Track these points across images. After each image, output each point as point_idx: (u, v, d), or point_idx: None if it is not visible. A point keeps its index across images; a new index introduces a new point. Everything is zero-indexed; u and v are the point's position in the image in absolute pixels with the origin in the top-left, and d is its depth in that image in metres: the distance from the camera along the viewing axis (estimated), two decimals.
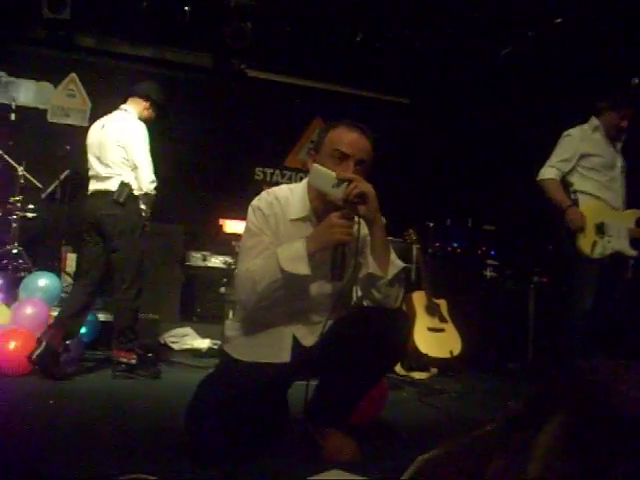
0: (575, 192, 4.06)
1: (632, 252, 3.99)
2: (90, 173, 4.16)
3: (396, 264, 2.34)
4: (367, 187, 2.21)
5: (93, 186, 4.11)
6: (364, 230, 2.30)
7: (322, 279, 2.34)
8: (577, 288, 3.97)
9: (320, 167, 2.24)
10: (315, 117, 7.35)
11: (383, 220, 2.30)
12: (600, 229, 3.92)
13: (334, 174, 2.20)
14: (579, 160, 4.06)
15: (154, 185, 4.09)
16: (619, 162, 4.12)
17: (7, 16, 6.45)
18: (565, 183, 4.11)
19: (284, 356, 2.33)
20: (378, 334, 2.23)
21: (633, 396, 0.46)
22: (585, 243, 3.92)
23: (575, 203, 4.02)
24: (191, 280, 5.98)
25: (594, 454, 0.45)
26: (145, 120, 4.22)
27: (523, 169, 6.47)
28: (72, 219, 6.03)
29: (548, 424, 0.50)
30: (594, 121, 4.16)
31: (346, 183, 2.19)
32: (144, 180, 4.03)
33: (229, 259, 5.42)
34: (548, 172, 4.11)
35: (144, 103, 4.27)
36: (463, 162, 7.20)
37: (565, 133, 4.18)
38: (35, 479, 1.96)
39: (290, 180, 7.05)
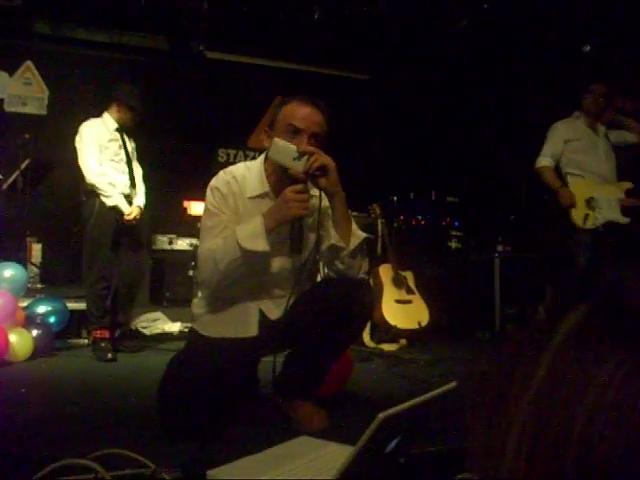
0: (566, 174, 4.53)
1: (624, 220, 4.39)
2: None
3: (358, 234, 2.38)
4: (327, 159, 2.24)
5: None
6: (325, 202, 2.34)
7: (283, 253, 2.38)
8: (574, 255, 4.38)
9: (280, 141, 2.27)
10: (276, 96, 7.33)
11: (343, 192, 2.34)
12: (590, 203, 4.36)
13: (294, 147, 2.23)
14: (565, 146, 4.53)
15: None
16: (601, 143, 4.55)
17: None
18: (558, 168, 4.58)
19: (252, 330, 2.36)
20: (342, 304, 2.28)
21: None
22: (578, 216, 4.36)
23: (566, 184, 4.47)
24: (159, 264, 5.97)
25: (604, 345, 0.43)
26: (122, 123, 4.43)
27: (483, 141, 6.59)
28: (36, 209, 5.98)
29: (567, 318, 0.46)
30: (576, 112, 4.62)
31: (307, 156, 2.22)
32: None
33: (195, 241, 5.41)
34: (542, 161, 4.58)
35: (115, 107, 4.45)
36: (424, 136, 7.25)
37: (552, 126, 4.64)
38: (11, 461, 1.98)
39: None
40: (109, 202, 4.21)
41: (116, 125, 4.41)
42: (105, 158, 4.32)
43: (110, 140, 4.38)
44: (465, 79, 6.86)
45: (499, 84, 6.45)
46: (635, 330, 0.43)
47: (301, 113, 2.33)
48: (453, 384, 1.68)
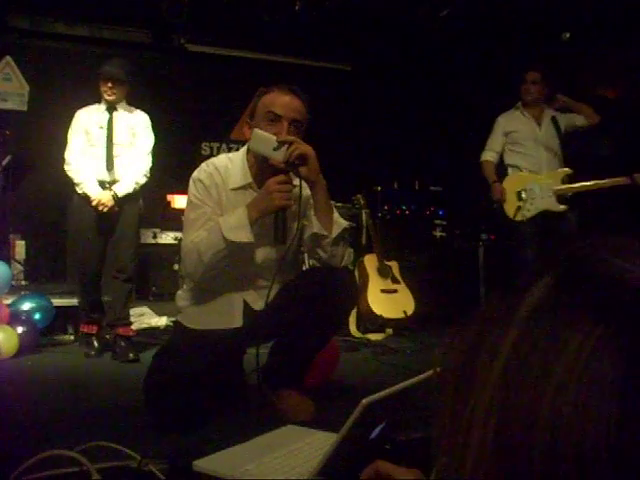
0: (507, 166, 4.66)
1: (559, 207, 4.42)
2: None
3: (339, 223, 2.40)
4: (307, 148, 2.25)
5: None
6: (306, 191, 2.35)
7: (267, 244, 2.39)
8: (518, 247, 4.47)
9: (260, 131, 2.27)
10: (258, 88, 7.31)
11: (324, 181, 2.35)
12: (520, 195, 4.47)
13: (274, 137, 2.24)
14: (506, 138, 4.65)
15: (67, 172, 4.15)
16: (542, 132, 4.58)
17: None
18: (503, 161, 4.70)
19: (236, 321, 2.37)
20: (325, 292, 2.29)
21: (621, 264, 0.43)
22: (510, 209, 4.50)
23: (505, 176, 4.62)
24: (143, 258, 5.94)
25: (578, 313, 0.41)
26: (108, 100, 4.18)
27: (465, 129, 6.60)
28: (19, 206, 5.94)
29: (530, 292, 0.44)
30: (517, 104, 4.69)
31: (286, 145, 2.23)
32: None
33: (180, 235, 5.39)
34: (484, 155, 4.73)
35: (99, 84, 4.21)
36: (406, 125, 7.26)
37: (496, 119, 4.76)
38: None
39: None
40: (79, 190, 4.02)
41: (105, 105, 4.19)
42: (88, 144, 4.14)
43: (98, 124, 4.16)
44: (446, 67, 6.87)
45: (480, 72, 6.47)
46: (602, 298, 0.41)
47: (280, 101, 2.34)
48: (438, 370, 1.69)
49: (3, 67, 6.76)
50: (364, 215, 5.29)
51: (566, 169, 4.51)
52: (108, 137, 4.13)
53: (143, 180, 4.27)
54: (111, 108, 4.21)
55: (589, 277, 0.43)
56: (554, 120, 4.58)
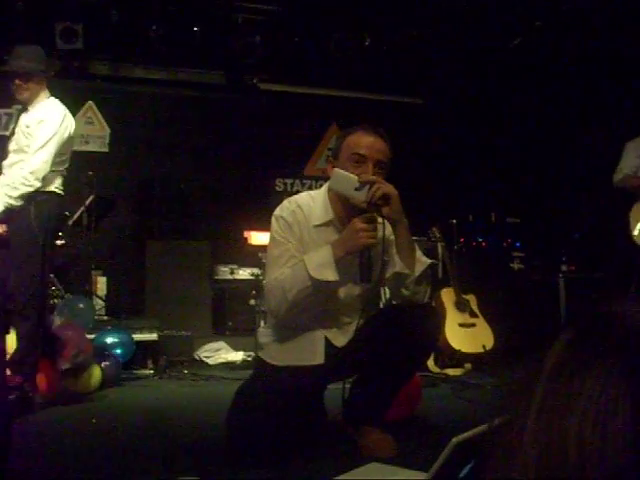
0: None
1: None
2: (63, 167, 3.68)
3: (422, 261, 2.38)
4: (390, 188, 2.24)
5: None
6: (387, 229, 2.34)
7: (350, 282, 2.38)
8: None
9: (341, 171, 2.28)
10: (330, 124, 7.40)
11: (406, 220, 2.33)
12: None
13: (355, 177, 2.24)
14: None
15: None
16: None
17: None
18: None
19: (318, 358, 2.36)
20: (409, 329, 2.27)
21: None
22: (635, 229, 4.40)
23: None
24: (220, 294, 6.04)
25: None
26: (22, 100, 3.54)
27: (540, 160, 6.49)
28: (99, 244, 6.14)
29: (588, 372, 0.51)
30: None
31: (368, 186, 2.22)
32: None
33: (257, 270, 5.45)
34: (617, 175, 4.61)
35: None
36: (481, 157, 7.18)
37: (625, 145, 4.67)
38: None
39: (310, 189, 7.07)
40: None
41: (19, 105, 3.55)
42: None
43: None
44: (521, 98, 6.79)
45: (556, 102, 6.36)
46: (614, 347, 0.51)
47: (365, 142, 2.34)
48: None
49: (85, 111, 7.07)
50: (440, 248, 5.23)
51: None
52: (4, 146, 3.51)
53: (23, 189, 3.31)
54: (23, 109, 3.54)
55: (605, 329, 0.53)
56: None
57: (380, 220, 2.30)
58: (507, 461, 0.54)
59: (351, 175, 2.25)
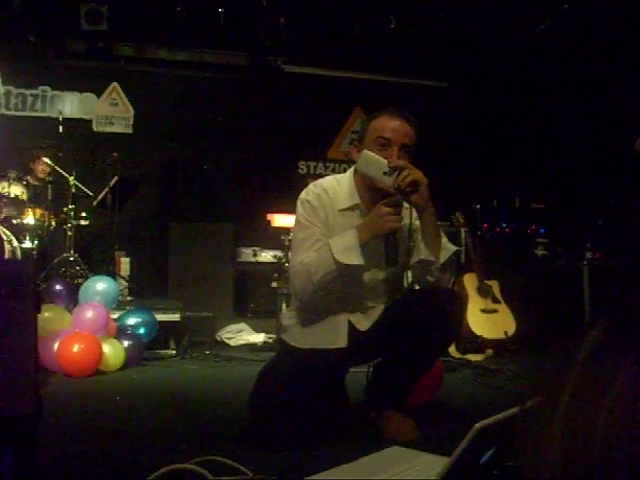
0: None
1: None
2: None
3: (448, 248, 2.37)
4: (419, 175, 2.22)
5: None
6: (413, 215, 2.33)
7: (374, 266, 2.37)
8: None
9: (370, 153, 2.26)
10: (354, 107, 7.37)
11: (433, 207, 2.31)
12: None
13: (385, 161, 2.21)
14: None
15: None
16: None
17: (47, 32, 6.64)
18: None
19: (341, 342, 2.37)
20: (434, 315, 2.26)
21: None
22: None
23: None
24: (243, 276, 6.08)
25: None
26: None
27: (566, 145, 6.41)
28: (123, 224, 6.20)
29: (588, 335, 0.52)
30: None
31: (397, 171, 2.21)
32: None
33: (279, 253, 5.46)
34: None
35: None
36: (505, 142, 7.12)
37: None
38: (112, 470, 2.04)
39: (333, 172, 7.06)
40: None
41: None
42: None
43: None
44: (546, 82, 6.70)
45: (582, 86, 6.27)
46: None
47: (391, 125, 2.32)
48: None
49: (110, 93, 7.11)
50: (463, 233, 5.20)
51: None
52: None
53: None
54: None
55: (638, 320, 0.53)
56: None
57: (406, 205, 2.29)
58: (535, 444, 0.54)
59: (381, 158, 2.23)
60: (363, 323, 2.41)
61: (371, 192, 2.34)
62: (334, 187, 2.43)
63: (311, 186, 2.45)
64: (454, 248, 2.41)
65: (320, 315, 2.41)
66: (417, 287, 2.52)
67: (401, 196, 2.24)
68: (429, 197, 2.27)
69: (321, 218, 2.37)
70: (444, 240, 2.38)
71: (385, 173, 2.20)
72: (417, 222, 2.34)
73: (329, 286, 2.27)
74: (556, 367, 0.57)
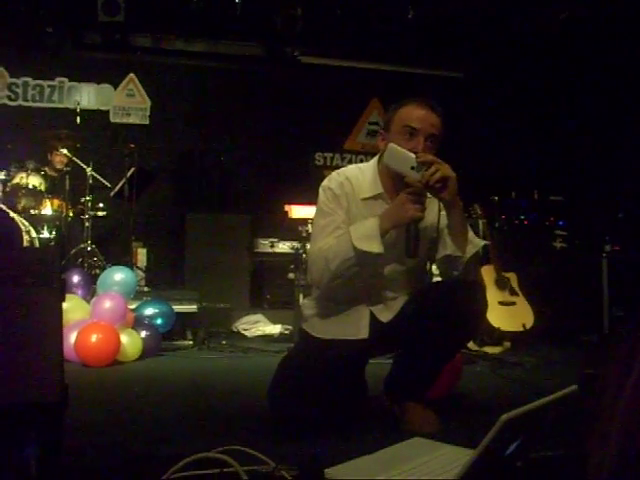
0: None
1: None
2: None
3: (475, 243, 2.34)
4: (448, 171, 2.19)
5: None
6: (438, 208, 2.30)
7: (396, 256, 2.35)
8: None
9: (397, 147, 2.22)
10: (371, 98, 7.34)
11: (461, 202, 2.28)
12: None
13: (413, 156, 2.18)
14: None
15: None
16: None
17: (64, 23, 6.65)
18: None
19: (362, 333, 2.36)
20: (457, 306, 2.24)
21: None
22: None
23: None
24: (259, 267, 6.09)
25: None
26: None
27: (586, 137, 6.35)
28: (140, 215, 6.21)
29: None
30: None
31: (425, 166, 2.18)
32: None
33: (296, 244, 5.45)
34: None
35: None
36: (523, 134, 7.06)
37: None
38: (130, 459, 2.04)
39: (350, 163, 7.04)
40: None
41: None
42: None
43: None
44: (564, 73, 6.64)
45: (602, 78, 6.20)
46: None
47: (417, 114, 2.29)
48: (574, 387, 1.61)
49: (127, 84, 7.12)
50: (481, 225, 5.17)
51: None
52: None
53: None
54: None
55: None
56: None
57: (432, 197, 2.26)
58: (595, 420, 0.56)
59: (408, 153, 2.19)
60: (385, 314, 2.39)
61: (395, 183, 2.32)
62: (357, 176, 2.41)
63: (334, 174, 2.43)
64: (481, 243, 2.39)
65: (341, 306, 2.40)
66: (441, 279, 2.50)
67: (430, 192, 2.22)
68: (457, 192, 2.23)
69: (343, 206, 2.35)
70: (471, 234, 2.35)
71: (413, 168, 2.17)
72: (443, 213, 2.31)
73: (347, 274, 2.25)
74: (621, 352, 0.58)
